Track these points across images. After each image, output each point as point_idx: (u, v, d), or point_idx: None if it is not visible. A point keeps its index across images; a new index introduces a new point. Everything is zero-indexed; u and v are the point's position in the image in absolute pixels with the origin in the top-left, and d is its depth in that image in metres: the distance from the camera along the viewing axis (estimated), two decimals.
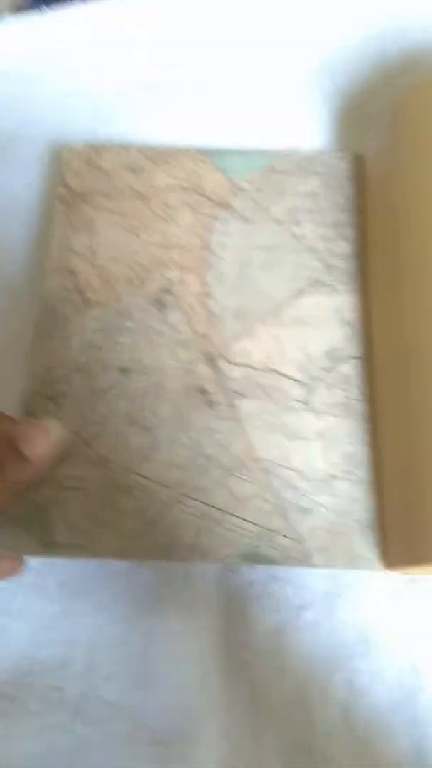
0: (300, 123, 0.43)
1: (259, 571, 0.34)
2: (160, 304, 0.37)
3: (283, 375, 0.35)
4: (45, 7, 0.47)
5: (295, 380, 0.35)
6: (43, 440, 0.32)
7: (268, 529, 0.33)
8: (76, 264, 0.38)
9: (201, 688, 0.32)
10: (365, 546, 0.32)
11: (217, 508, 0.33)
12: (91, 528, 0.33)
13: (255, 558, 0.32)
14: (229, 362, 0.36)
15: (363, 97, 0.44)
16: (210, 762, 0.31)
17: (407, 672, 0.32)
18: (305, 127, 0.43)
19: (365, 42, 0.45)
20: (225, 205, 0.39)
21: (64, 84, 0.45)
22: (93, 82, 0.45)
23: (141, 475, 0.34)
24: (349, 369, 0.35)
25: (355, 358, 0.36)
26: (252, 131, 0.43)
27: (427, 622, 0.33)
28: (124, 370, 0.36)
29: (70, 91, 0.45)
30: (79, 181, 0.40)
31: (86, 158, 0.40)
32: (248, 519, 0.33)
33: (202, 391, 0.35)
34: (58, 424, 0.34)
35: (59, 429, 0.33)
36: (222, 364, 0.36)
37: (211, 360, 0.36)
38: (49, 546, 0.32)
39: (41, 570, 0.34)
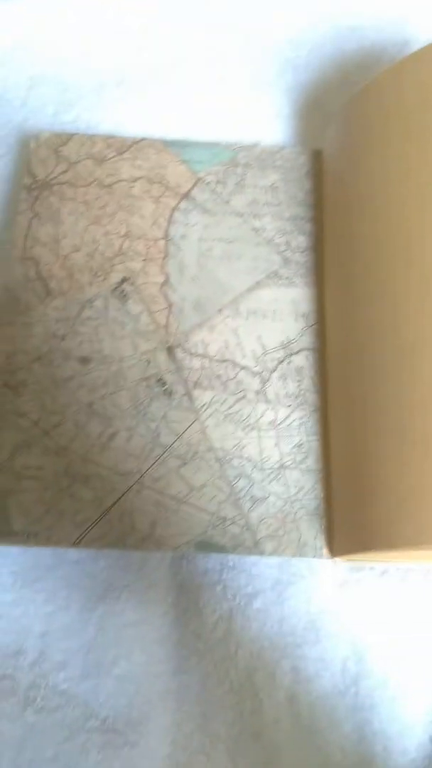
0: (262, 118, 0.44)
1: (213, 560, 0.35)
2: (121, 295, 0.37)
3: (239, 366, 0.36)
4: None
5: (250, 371, 0.36)
6: None
7: (221, 518, 0.33)
8: (40, 253, 0.38)
9: (152, 676, 0.33)
10: (313, 534, 0.33)
11: (171, 497, 0.34)
12: (47, 517, 0.33)
13: (208, 546, 0.33)
14: (188, 353, 0.36)
15: (323, 94, 0.44)
16: (159, 749, 0.31)
17: (351, 659, 0.32)
18: (267, 121, 0.44)
19: (326, 40, 0.46)
20: (187, 197, 0.39)
21: (31, 71, 0.45)
22: (60, 71, 0.45)
23: (98, 465, 0.34)
24: (303, 361, 0.36)
25: (308, 350, 0.36)
26: (215, 125, 0.43)
27: (371, 610, 0.33)
28: (84, 360, 0.36)
29: (37, 78, 0.45)
30: (45, 170, 0.40)
31: (52, 147, 0.40)
32: (202, 508, 0.33)
33: (161, 382, 0.36)
34: None
35: None
36: (180, 354, 0.36)
37: (170, 350, 0.36)
38: (4, 535, 0.33)
39: None
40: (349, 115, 0.36)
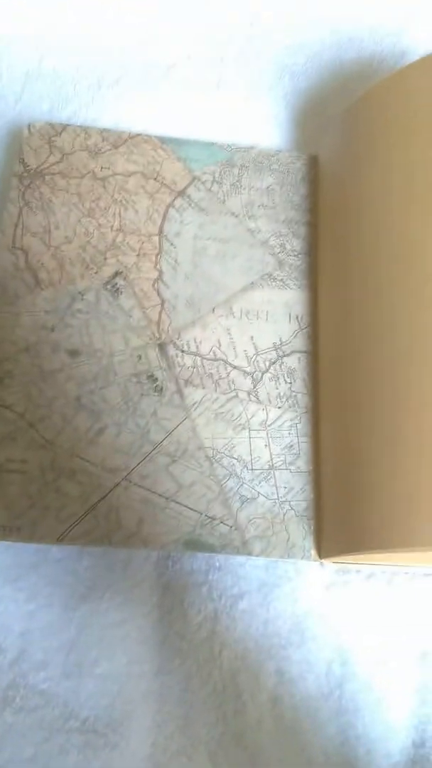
0: (258, 122, 0.44)
1: (199, 561, 0.34)
2: (113, 289, 0.37)
3: (231, 365, 0.36)
4: None
5: (242, 371, 0.36)
6: None
7: (210, 517, 0.33)
8: (30, 243, 0.37)
9: (134, 676, 0.32)
10: (302, 535, 0.33)
11: (160, 495, 0.33)
12: (31, 511, 0.32)
13: (196, 545, 0.32)
14: (179, 350, 0.36)
15: (320, 101, 0.45)
16: (140, 750, 0.31)
17: (336, 662, 0.32)
18: (263, 126, 0.44)
19: (324, 49, 0.46)
20: (183, 194, 0.39)
21: (27, 66, 0.45)
22: (56, 66, 0.45)
23: (85, 460, 0.33)
24: (295, 362, 0.36)
25: (301, 352, 0.36)
26: (211, 126, 0.43)
27: (357, 613, 0.33)
28: (73, 353, 0.35)
29: (33, 73, 0.44)
30: (37, 159, 0.39)
31: (46, 137, 0.40)
32: (190, 506, 0.33)
33: (152, 378, 0.35)
34: None
35: None
36: (172, 351, 0.36)
37: (161, 347, 0.36)
38: None
39: None
40: (347, 122, 0.37)
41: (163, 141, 0.40)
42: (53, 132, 0.40)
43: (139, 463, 0.34)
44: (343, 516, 0.31)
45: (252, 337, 0.36)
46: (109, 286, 0.37)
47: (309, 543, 0.33)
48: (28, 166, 0.39)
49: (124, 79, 0.45)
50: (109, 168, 0.39)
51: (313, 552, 0.33)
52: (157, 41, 0.46)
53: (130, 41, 0.46)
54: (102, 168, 0.39)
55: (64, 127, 0.40)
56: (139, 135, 0.40)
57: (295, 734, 0.31)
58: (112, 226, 0.38)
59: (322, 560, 0.32)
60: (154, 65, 0.45)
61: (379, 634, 0.33)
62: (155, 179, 0.39)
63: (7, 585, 0.33)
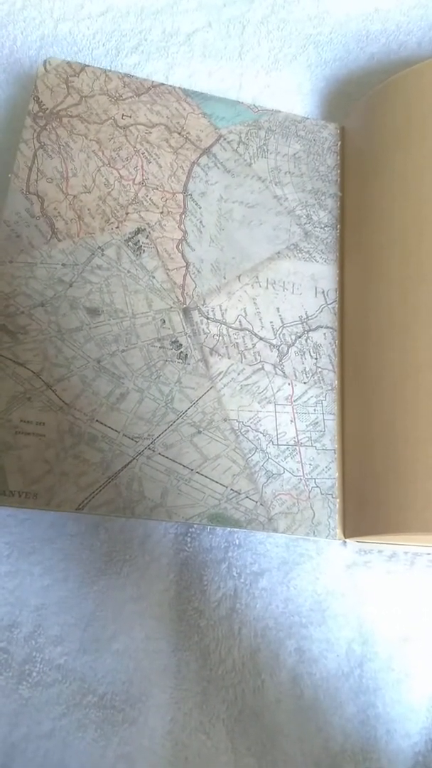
0: (281, 91, 0.43)
1: (218, 537, 0.33)
2: (136, 247, 0.35)
3: (257, 336, 0.34)
4: None
5: (268, 343, 0.34)
6: None
7: (235, 491, 0.32)
8: (46, 189, 0.34)
9: (151, 652, 0.31)
10: (327, 514, 0.32)
11: (185, 466, 0.32)
12: (48, 477, 0.30)
13: (221, 520, 0.31)
14: (204, 317, 0.34)
15: (345, 71, 0.44)
16: (159, 727, 0.30)
17: (356, 641, 0.32)
18: (287, 95, 0.43)
19: (350, 19, 0.45)
20: (208, 153, 0.37)
21: (42, 31, 0.42)
22: (73, 32, 0.42)
23: (106, 426, 0.31)
24: (321, 338, 0.35)
25: (326, 328, 0.35)
26: (232, 95, 0.42)
27: (378, 593, 0.33)
28: (93, 312, 0.33)
29: (48, 38, 0.42)
30: (53, 99, 0.36)
31: (63, 76, 0.37)
32: (216, 479, 0.32)
33: (176, 344, 0.33)
34: None
35: None
36: (197, 317, 0.34)
37: (186, 312, 0.34)
38: (0, 494, 0.30)
39: None
40: (380, 100, 0.36)
41: (188, 94, 0.38)
42: (71, 71, 0.37)
43: (163, 432, 0.32)
44: (369, 496, 0.31)
45: (278, 309, 0.35)
46: (131, 243, 0.35)
47: (334, 521, 0.32)
48: (44, 105, 0.36)
49: (143, 46, 0.42)
50: (131, 116, 0.37)
51: (338, 531, 0.32)
52: (177, 7, 0.44)
53: (149, 7, 0.43)
54: (123, 116, 0.37)
55: (83, 67, 0.37)
56: (162, 84, 0.38)
57: (315, 713, 0.31)
58: (134, 180, 0.36)
59: (347, 539, 0.32)
60: (174, 32, 0.43)
61: (399, 613, 0.33)
62: (179, 134, 0.37)
63: (22, 559, 0.31)
